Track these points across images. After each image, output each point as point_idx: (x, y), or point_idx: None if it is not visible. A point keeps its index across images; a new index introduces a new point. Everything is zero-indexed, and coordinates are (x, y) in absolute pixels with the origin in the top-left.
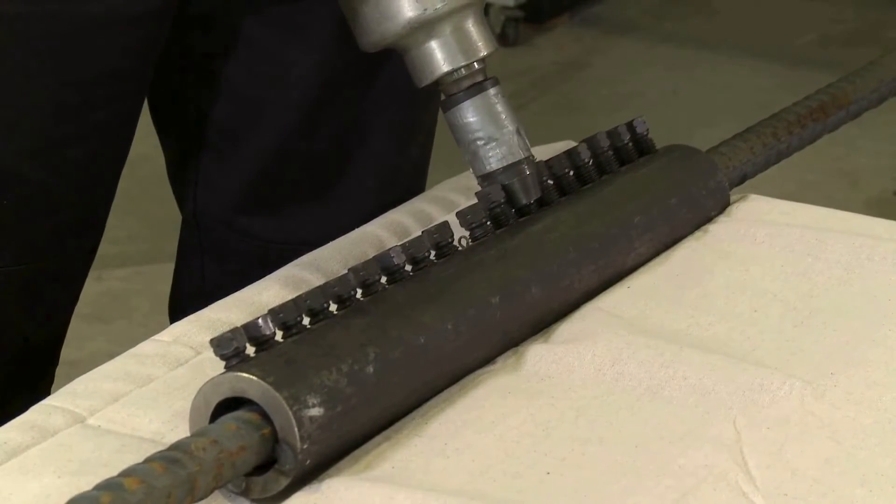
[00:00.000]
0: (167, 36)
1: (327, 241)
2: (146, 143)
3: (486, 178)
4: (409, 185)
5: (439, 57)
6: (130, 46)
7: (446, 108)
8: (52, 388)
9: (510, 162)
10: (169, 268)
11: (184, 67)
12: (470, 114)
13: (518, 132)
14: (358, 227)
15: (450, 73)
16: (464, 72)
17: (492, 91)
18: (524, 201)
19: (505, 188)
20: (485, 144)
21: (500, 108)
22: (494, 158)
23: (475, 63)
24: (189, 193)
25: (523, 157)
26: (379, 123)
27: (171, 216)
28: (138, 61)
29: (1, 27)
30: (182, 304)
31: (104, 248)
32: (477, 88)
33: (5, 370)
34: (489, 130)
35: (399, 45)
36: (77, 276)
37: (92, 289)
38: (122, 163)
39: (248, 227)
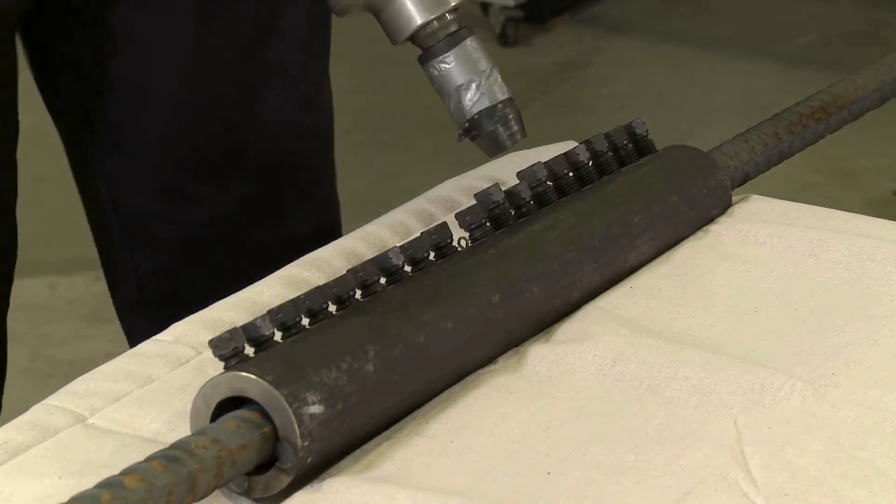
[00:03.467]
0: (38, 31)
1: (253, 219)
2: None
3: (469, 124)
4: (312, 158)
5: (412, 11)
6: None
7: (424, 62)
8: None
9: (491, 104)
10: None
11: (61, 63)
12: (448, 63)
13: (496, 75)
14: (272, 200)
15: (424, 26)
16: (436, 24)
17: (468, 40)
18: (508, 144)
19: (490, 135)
20: (464, 91)
21: (477, 55)
22: (475, 102)
23: (447, 14)
24: (101, 190)
25: (503, 97)
26: (267, 99)
27: None
28: None
29: None
30: (122, 302)
31: None
32: (453, 38)
33: None
34: (468, 77)
35: (372, 6)
36: None
37: (91, 289)
38: (5, 163)
39: (168, 212)
